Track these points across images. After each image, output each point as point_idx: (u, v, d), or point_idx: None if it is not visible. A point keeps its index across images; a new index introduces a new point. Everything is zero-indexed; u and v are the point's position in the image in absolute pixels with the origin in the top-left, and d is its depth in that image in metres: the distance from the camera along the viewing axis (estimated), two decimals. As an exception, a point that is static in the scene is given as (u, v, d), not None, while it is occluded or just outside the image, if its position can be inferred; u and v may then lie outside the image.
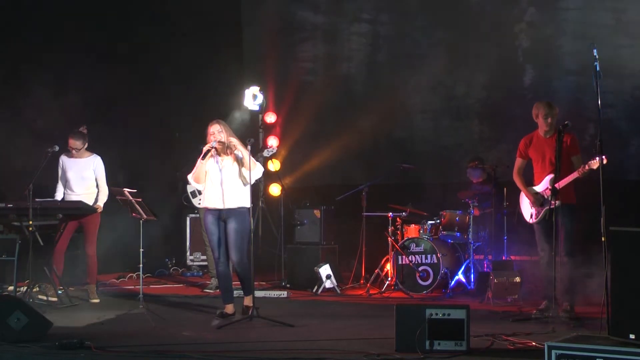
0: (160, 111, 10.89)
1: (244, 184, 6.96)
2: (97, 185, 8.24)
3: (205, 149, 6.96)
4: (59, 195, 8.23)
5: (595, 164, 6.57)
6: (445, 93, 10.62)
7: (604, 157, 6.13)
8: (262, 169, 7.10)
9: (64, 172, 8.23)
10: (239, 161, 6.93)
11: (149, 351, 5.53)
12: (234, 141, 6.94)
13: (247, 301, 7.13)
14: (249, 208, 7.01)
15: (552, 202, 6.86)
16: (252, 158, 6.92)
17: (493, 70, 10.29)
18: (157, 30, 10.87)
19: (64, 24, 10.15)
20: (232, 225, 6.92)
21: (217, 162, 7.00)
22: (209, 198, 7.01)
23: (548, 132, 7.17)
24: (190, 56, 11.20)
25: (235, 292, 7.26)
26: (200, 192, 8.92)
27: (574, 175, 6.89)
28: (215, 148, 6.94)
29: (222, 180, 6.92)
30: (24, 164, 8.94)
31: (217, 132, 6.98)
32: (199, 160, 6.99)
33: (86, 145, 8.26)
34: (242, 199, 6.98)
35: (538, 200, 7.19)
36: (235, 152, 6.92)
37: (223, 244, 7.01)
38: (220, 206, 6.94)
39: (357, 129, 10.69)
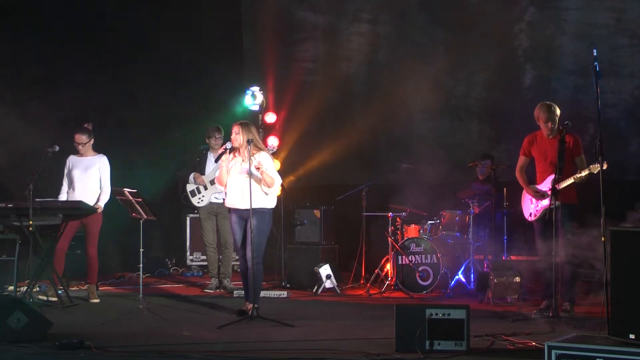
0: (160, 111, 10.88)
1: (265, 192, 7.05)
2: (101, 186, 8.23)
3: (219, 151, 7.12)
4: (63, 196, 8.22)
5: (595, 168, 6.62)
6: (445, 93, 10.61)
7: (605, 163, 6.15)
8: (280, 182, 7.21)
9: (69, 170, 8.24)
10: (254, 172, 6.97)
11: (149, 351, 5.53)
12: (262, 161, 6.96)
13: (247, 306, 7.11)
14: (270, 209, 7.13)
15: (552, 202, 6.87)
16: (266, 173, 6.94)
17: (493, 70, 10.30)
18: (157, 30, 10.86)
19: (63, 22, 10.16)
20: (251, 223, 6.94)
21: (237, 163, 7.06)
22: (231, 198, 7.10)
23: (550, 134, 7.19)
24: (190, 56, 11.20)
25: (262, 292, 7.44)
26: (199, 191, 8.95)
27: (577, 176, 6.91)
28: (229, 150, 7.06)
29: (242, 182, 6.95)
30: (23, 164, 8.95)
31: (234, 134, 7.06)
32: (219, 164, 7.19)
33: (92, 142, 8.26)
34: (262, 200, 7.04)
35: (539, 195, 7.21)
36: (254, 166, 6.93)
37: (245, 243, 7.06)
38: (241, 206, 7.01)
39: (357, 129, 10.69)
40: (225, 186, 7.18)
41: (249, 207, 6.86)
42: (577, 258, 6.85)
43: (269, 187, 7.01)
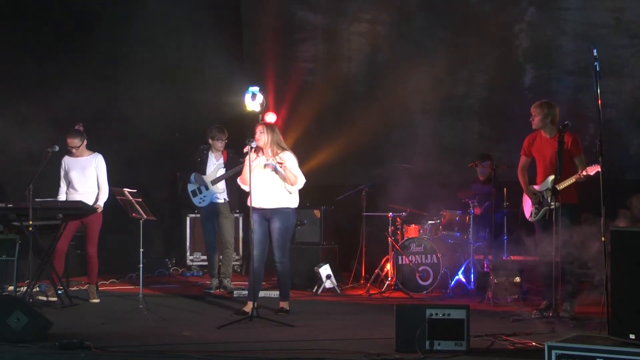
0: (160, 111, 10.89)
1: (289, 191, 7.14)
2: (98, 185, 8.22)
3: (245, 150, 7.16)
4: (62, 196, 8.22)
5: (592, 169, 6.65)
6: (445, 93, 10.61)
7: (598, 167, 6.14)
8: (303, 181, 7.22)
9: (66, 172, 8.22)
10: (278, 169, 7.05)
11: (149, 351, 5.53)
12: (286, 159, 7.02)
13: (283, 304, 7.30)
14: (294, 208, 7.23)
15: (552, 203, 6.87)
16: (289, 170, 7.04)
17: (493, 70, 10.30)
18: (158, 30, 10.87)
19: (61, 23, 10.16)
20: (275, 224, 7.10)
21: (261, 162, 7.13)
22: (254, 198, 7.14)
23: (550, 133, 7.18)
24: (191, 56, 11.21)
25: (262, 292, 7.48)
26: (200, 192, 8.95)
27: (572, 180, 6.92)
28: (253, 149, 7.09)
29: (266, 181, 7.03)
30: (20, 165, 8.95)
31: (258, 133, 7.13)
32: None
33: (85, 143, 8.22)
34: (286, 199, 7.15)
35: (536, 199, 7.23)
36: (270, 162, 7.03)
37: (262, 243, 7.13)
38: (264, 205, 7.08)
39: (357, 128, 10.70)
40: (249, 185, 7.20)
41: (272, 207, 7.02)
42: (577, 258, 6.84)
43: (292, 185, 7.10)
